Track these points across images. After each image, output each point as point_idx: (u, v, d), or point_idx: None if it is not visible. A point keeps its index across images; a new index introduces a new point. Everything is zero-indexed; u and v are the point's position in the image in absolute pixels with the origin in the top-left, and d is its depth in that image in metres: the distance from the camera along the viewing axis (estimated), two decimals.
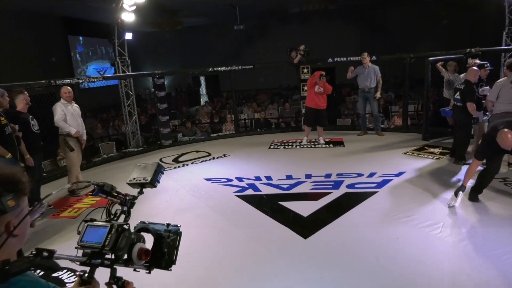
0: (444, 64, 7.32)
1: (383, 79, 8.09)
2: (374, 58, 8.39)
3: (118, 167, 7.13)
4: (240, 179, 5.58)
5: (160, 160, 7.22)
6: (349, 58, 8.80)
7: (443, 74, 7.27)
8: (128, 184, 1.67)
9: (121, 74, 8.87)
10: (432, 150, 6.46)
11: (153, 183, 1.65)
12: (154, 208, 4.67)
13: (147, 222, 1.55)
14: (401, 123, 8.56)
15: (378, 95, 7.81)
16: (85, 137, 5.72)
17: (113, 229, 1.29)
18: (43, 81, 6.48)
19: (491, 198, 4.28)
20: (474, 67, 5.64)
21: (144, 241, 1.41)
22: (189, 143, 8.61)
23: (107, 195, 1.50)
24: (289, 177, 5.51)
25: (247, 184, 5.35)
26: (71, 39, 14.24)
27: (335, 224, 3.89)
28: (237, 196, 4.91)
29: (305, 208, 4.28)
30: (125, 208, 1.54)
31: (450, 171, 5.32)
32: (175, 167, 6.63)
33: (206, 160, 6.96)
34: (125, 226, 1.35)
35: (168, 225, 1.55)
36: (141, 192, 1.67)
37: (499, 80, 5.18)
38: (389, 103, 11.49)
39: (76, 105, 5.67)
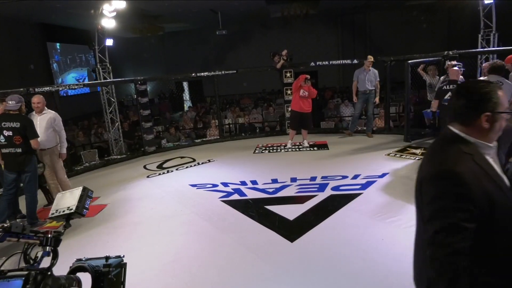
0: (425, 68, 7.50)
1: None
2: (355, 61, 8.53)
3: (101, 175, 7.01)
4: (225, 184, 5.56)
5: (144, 167, 7.14)
6: (331, 62, 8.90)
7: (425, 78, 7.46)
8: (50, 218, 1.44)
9: (102, 80, 8.74)
10: (414, 151, 6.57)
11: (80, 211, 1.40)
12: (139, 216, 4.60)
13: (84, 259, 1.34)
14: (383, 125, 8.70)
15: (377, 100, 7.96)
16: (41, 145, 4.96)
17: (30, 279, 1.08)
18: (21, 89, 6.32)
19: None
20: (455, 67, 5.84)
21: (79, 284, 1.23)
22: (173, 149, 8.53)
23: (19, 238, 1.24)
24: (274, 181, 5.52)
25: (232, 189, 5.33)
26: (50, 46, 13.98)
27: (321, 227, 3.90)
28: (222, 201, 4.88)
29: (291, 212, 4.29)
30: (48, 249, 1.30)
31: None
32: (159, 174, 6.56)
33: (191, 166, 6.91)
34: (46, 272, 1.13)
35: (107, 258, 1.33)
36: (67, 225, 1.42)
37: None
38: None
39: (46, 113, 5.08)
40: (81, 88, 9.24)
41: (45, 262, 1.28)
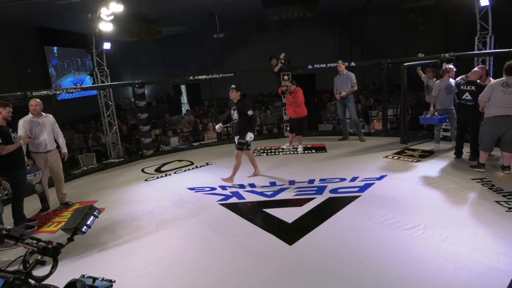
0: (423, 69, 7.53)
1: (362, 84, 8.22)
2: (352, 64, 8.55)
3: (99, 178, 6.99)
4: (223, 187, 5.55)
5: (142, 170, 7.13)
6: (328, 65, 8.93)
7: (423, 79, 7.48)
8: (62, 230, 1.55)
9: (100, 84, 8.73)
10: (411, 153, 6.58)
11: (80, 227, 1.51)
12: (137, 219, 4.59)
13: (86, 276, 1.39)
14: (381, 127, 8.72)
15: (343, 93, 7.72)
16: (49, 147, 5.18)
17: (7, 282, 1.15)
18: (19, 93, 6.30)
19: (469, 198, 4.39)
20: (476, 68, 5.87)
21: None
22: (171, 152, 8.52)
23: (17, 242, 1.31)
24: (272, 183, 5.52)
25: (230, 192, 5.33)
26: (47, 50, 13.96)
27: (319, 230, 3.90)
28: (221, 204, 4.88)
29: (289, 215, 4.29)
30: (45, 258, 1.36)
31: (430, 173, 5.44)
32: (157, 177, 6.54)
33: (189, 169, 6.90)
34: (24, 279, 1.20)
35: (94, 279, 1.37)
36: (71, 239, 1.50)
37: (493, 81, 5.10)
38: (369, 108, 11.69)
39: (46, 116, 5.20)
40: (79, 92, 9.19)
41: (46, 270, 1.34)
